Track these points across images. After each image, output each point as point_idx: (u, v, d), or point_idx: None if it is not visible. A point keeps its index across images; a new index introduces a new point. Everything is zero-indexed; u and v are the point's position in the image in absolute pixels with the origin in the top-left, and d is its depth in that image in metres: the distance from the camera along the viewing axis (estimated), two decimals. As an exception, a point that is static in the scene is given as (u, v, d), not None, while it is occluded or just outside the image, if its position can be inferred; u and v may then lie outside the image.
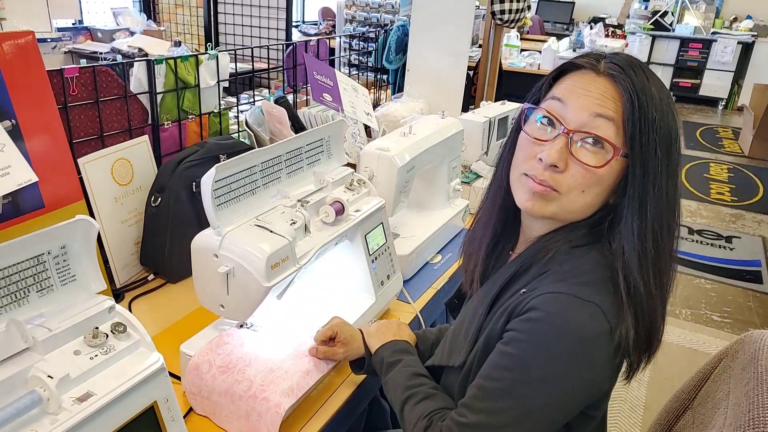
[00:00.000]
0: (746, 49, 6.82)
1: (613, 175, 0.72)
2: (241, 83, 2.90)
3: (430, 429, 0.77)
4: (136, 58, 1.41)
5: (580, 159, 0.70)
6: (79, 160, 1.18)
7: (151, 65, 1.37)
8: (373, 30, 2.78)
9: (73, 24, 4.18)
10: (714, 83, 7.04)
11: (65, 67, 1.18)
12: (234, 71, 1.65)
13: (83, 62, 1.24)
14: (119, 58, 3.55)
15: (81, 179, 1.17)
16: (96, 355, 0.64)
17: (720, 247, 3.53)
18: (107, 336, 0.66)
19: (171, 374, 0.96)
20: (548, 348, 0.68)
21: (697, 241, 3.58)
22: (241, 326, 1.00)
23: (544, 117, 0.74)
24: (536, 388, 0.69)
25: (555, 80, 0.77)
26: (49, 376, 0.59)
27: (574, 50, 5.21)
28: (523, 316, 0.71)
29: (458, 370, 0.82)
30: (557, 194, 0.73)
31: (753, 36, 6.77)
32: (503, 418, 0.70)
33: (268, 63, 2.32)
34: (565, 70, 0.76)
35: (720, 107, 7.14)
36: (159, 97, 1.40)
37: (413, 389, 0.82)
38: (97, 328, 0.66)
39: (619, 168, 0.71)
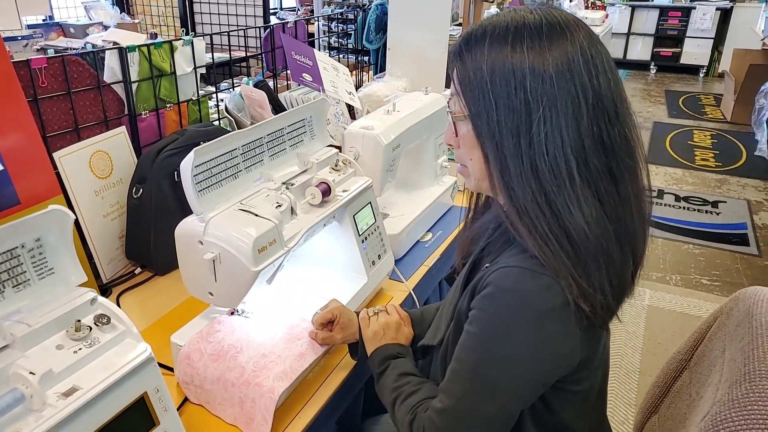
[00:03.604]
0: (725, 14, 6.83)
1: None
2: (219, 73, 2.84)
3: (415, 422, 0.77)
4: (107, 47, 1.36)
5: (452, 131, 0.76)
6: (55, 155, 1.14)
7: (123, 53, 1.33)
8: (352, 10, 2.73)
9: (43, 20, 4.08)
10: (694, 51, 7.06)
11: (32, 57, 1.13)
12: (212, 60, 1.60)
13: (51, 53, 1.20)
14: (93, 52, 3.46)
15: (58, 174, 1.14)
16: (80, 349, 0.62)
17: (706, 212, 3.55)
18: (90, 328, 0.64)
19: (165, 366, 0.95)
20: (506, 325, 0.67)
21: (683, 208, 3.61)
22: (232, 313, 0.98)
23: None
24: (500, 366, 0.69)
25: None
26: (31, 373, 0.57)
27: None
28: (481, 293, 0.71)
29: (439, 348, 0.82)
30: (466, 168, 0.77)
31: (731, 1, 6.78)
32: (474, 399, 0.71)
33: (246, 50, 2.27)
34: None
35: (701, 75, 7.16)
36: (134, 86, 1.36)
37: (398, 390, 0.83)
38: (79, 321, 0.64)
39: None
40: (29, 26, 3.87)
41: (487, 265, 0.74)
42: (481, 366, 0.70)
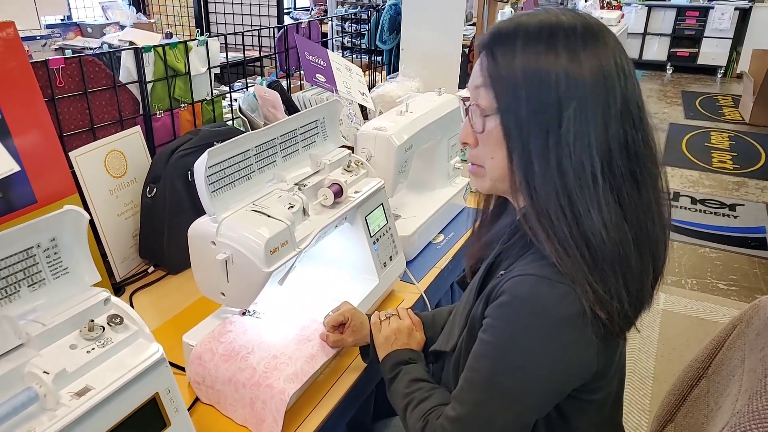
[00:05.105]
0: (743, 14, 6.72)
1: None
2: (233, 73, 2.85)
3: (427, 428, 0.76)
4: (124, 47, 1.37)
5: (474, 128, 0.73)
6: (71, 154, 1.15)
7: (139, 54, 1.34)
8: (365, 11, 2.73)
9: (61, 20, 4.14)
10: (712, 51, 6.96)
11: (50, 58, 1.15)
12: (226, 60, 1.61)
13: (68, 53, 1.21)
14: (109, 52, 3.50)
15: (73, 173, 1.15)
16: (93, 349, 0.62)
17: (724, 215, 3.50)
18: (104, 328, 0.65)
19: (176, 366, 0.96)
20: (521, 333, 0.67)
21: (700, 211, 3.56)
22: (244, 313, 0.98)
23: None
24: (515, 375, 0.68)
25: None
26: (45, 372, 0.57)
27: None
28: (496, 302, 0.70)
29: (452, 354, 0.81)
30: (482, 169, 0.74)
31: (750, 1, 6.67)
32: (489, 407, 0.70)
33: (260, 50, 2.28)
34: None
35: (719, 75, 7.06)
36: (149, 86, 1.37)
37: (410, 396, 0.82)
38: (92, 320, 0.64)
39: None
40: (48, 26, 3.93)
41: (502, 272, 0.73)
42: (496, 375, 0.69)
